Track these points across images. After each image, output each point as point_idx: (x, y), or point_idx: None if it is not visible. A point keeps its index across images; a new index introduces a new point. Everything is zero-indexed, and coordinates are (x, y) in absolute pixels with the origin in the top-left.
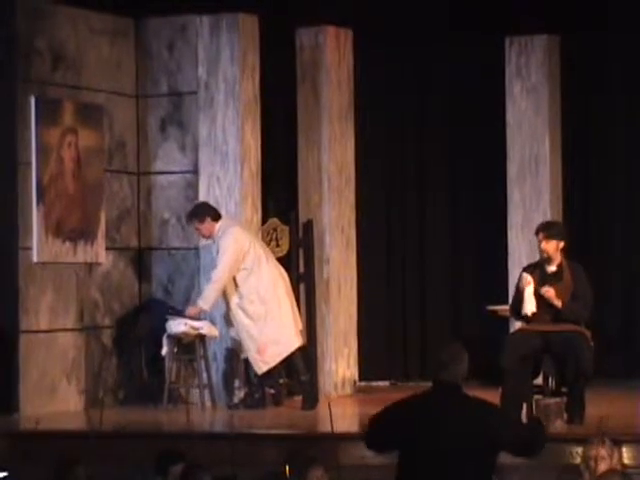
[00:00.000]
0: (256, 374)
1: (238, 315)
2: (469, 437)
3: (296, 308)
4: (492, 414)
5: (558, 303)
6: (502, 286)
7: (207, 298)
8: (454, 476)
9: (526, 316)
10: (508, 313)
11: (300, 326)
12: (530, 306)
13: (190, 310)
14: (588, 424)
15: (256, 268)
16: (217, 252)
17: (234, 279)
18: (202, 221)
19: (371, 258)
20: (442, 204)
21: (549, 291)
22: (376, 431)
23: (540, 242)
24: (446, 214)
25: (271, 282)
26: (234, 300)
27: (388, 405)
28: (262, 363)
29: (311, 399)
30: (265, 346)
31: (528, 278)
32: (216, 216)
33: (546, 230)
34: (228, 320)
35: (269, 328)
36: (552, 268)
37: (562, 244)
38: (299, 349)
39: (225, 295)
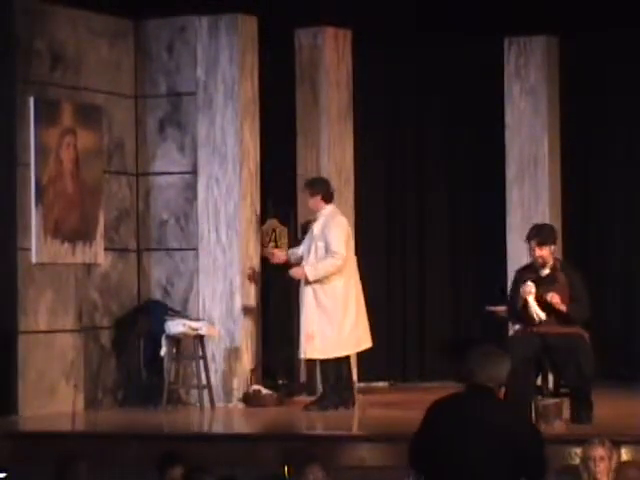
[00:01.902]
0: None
1: (308, 293)
2: (498, 441)
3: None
4: (522, 422)
5: (563, 308)
6: (502, 287)
7: (317, 271)
8: (483, 478)
9: (532, 321)
10: (506, 313)
11: (362, 344)
12: (538, 314)
13: (297, 270)
14: (587, 425)
15: (347, 266)
16: (318, 232)
17: None
18: (313, 194)
19: (370, 259)
20: (441, 205)
21: (554, 297)
22: (416, 441)
23: (533, 249)
24: (445, 214)
25: (351, 285)
26: (318, 281)
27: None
28: (302, 349)
29: (319, 405)
30: (312, 336)
31: (530, 288)
32: (327, 197)
33: (538, 236)
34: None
35: (325, 324)
36: (546, 271)
37: (554, 247)
38: (345, 359)
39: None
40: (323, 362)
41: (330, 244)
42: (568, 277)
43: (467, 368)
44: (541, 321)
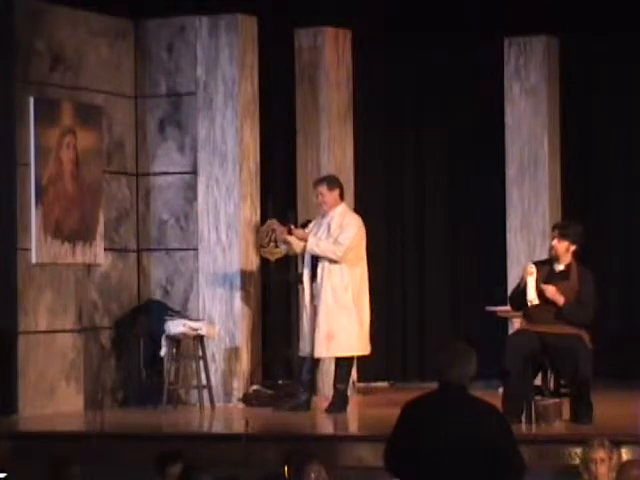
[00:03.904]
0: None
1: (327, 291)
2: (471, 439)
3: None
4: (495, 419)
5: (560, 299)
6: (501, 286)
7: (318, 246)
8: (456, 477)
9: (526, 307)
10: (508, 311)
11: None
12: (532, 296)
13: (303, 233)
14: (587, 425)
15: (362, 265)
16: (336, 229)
17: (346, 263)
18: (331, 189)
19: (370, 258)
20: (441, 205)
21: (549, 289)
22: (391, 442)
23: (552, 238)
24: (445, 215)
25: (365, 284)
26: (335, 279)
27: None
28: (319, 349)
29: (339, 406)
30: (332, 335)
31: (531, 268)
32: (342, 194)
33: (562, 229)
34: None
35: (349, 322)
36: (560, 267)
37: (574, 247)
38: (349, 358)
39: (330, 263)
40: (343, 360)
41: (340, 235)
42: (580, 279)
43: (437, 367)
44: (532, 304)
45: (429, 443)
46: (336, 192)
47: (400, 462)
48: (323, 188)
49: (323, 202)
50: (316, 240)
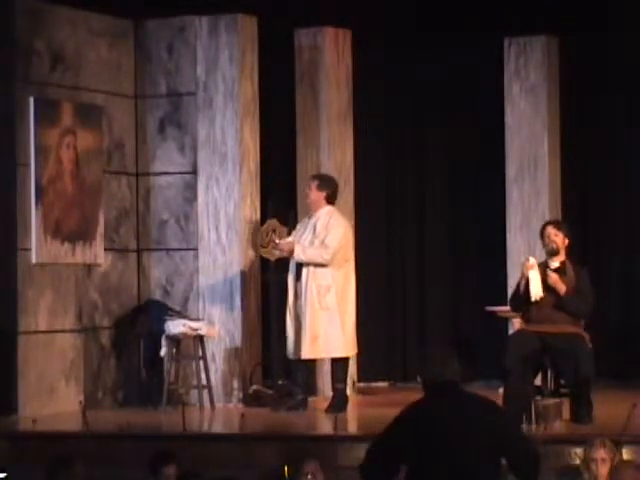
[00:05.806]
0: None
1: (311, 292)
2: (475, 436)
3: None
4: (498, 415)
5: (562, 287)
6: (502, 287)
7: (304, 254)
8: (461, 476)
9: (526, 308)
10: (508, 311)
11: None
12: (536, 290)
13: (287, 243)
14: (587, 425)
15: (349, 268)
16: (322, 229)
17: (332, 265)
18: (320, 189)
19: (370, 259)
20: (441, 205)
21: (552, 276)
22: (376, 451)
23: (549, 234)
24: (446, 214)
25: (351, 286)
26: (320, 280)
27: (386, 427)
28: (305, 350)
29: (339, 406)
30: (316, 336)
31: (531, 262)
32: (331, 198)
33: (556, 223)
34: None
35: (327, 323)
36: (555, 264)
37: (567, 241)
38: (344, 358)
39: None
40: (338, 360)
41: (327, 237)
42: (576, 272)
43: (432, 369)
44: (538, 299)
45: (435, 445)
46: (323, 194)
47: (392, 467)
48: (313, 184)
49: (306, 196)
50: (302, 248)
